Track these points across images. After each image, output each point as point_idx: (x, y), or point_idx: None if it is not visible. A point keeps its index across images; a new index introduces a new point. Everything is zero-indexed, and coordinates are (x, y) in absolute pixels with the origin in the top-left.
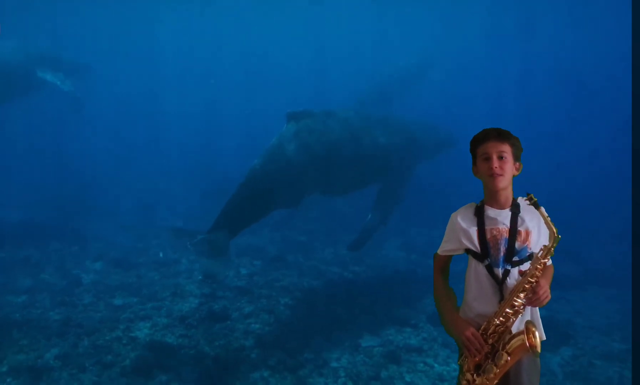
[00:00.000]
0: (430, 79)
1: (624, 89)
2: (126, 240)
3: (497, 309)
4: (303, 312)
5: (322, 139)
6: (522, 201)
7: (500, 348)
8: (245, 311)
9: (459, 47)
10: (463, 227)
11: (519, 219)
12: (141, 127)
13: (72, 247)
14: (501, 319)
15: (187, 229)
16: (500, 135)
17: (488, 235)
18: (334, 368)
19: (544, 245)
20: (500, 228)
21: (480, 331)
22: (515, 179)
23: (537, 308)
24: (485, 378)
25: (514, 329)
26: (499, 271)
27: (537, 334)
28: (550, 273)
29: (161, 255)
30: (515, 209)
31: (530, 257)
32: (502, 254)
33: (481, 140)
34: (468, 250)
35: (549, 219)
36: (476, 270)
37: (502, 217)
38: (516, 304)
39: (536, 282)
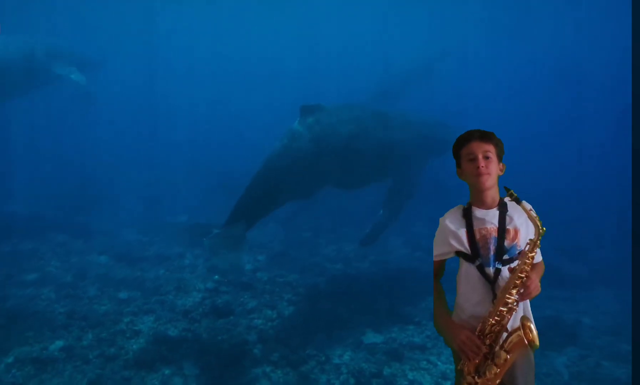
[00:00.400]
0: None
1: (624, 87)
2: (131, 234)
3: (490, 309)
4: (306, 308)
5: (334, 133)
6: (508, 200)
7: (499, 347)
8: (248, 306)
9: (454, 44)
10: (452, 229)
11: (507, 217)
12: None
13: (78, 240)
14: (496, 318)
15: (202, 224)
16: (484, 135)
17: (477, 236)
18: (336, 364)
19: (530, 239)
20: (489, 227)
21: (476, 332)
22: (517, 178)
23: (529, 303)
24: (487, 379)
25: (509, 327)
26: (491, 270)
27: (533, 328)
28: (540, 269)
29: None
30: (502, 208)
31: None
32: (492, 253)
33: (465, 141)
34: (458, 253)
35: (532, 212)
36: (467, 272)
37: (490, 217)
38: (509, 301)
39: (526, 276)
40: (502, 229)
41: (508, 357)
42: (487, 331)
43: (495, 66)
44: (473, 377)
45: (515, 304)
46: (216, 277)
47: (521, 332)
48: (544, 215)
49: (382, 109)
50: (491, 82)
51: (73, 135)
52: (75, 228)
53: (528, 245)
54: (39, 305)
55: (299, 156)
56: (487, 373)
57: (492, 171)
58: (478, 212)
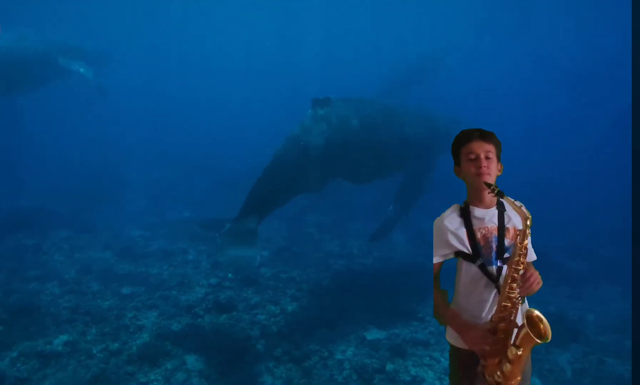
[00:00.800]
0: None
1: (624, 85)
2: (134, 230)
3: (494, 308)
4: (309, 304)
5: (345, 126)
6: (505, 200)
7: (510, 344)
8: (251, 302)
9: (453, 41)
10: (452, 229)
11: (506, 216)
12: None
13: (82, 236)
14: (502, 315)
15: (210, 219)
16: (485, 135)
17: (478, 235)
18: (339, 360)
19: (519, 230)
20: (490, 227)
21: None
22: (520, 175)
23: (527, 301)
24: (504, 376)
25: (519, 322)
26: (493, 269)
27: (543, 318)
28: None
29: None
30: (501, 208)
31: None
32: (494, 251)
33: (465, 140)
34: (458, 253)
35: (516, 203)
36: (467, 272)
37: (489, 216)
38: (512, 295)
39: (524, 269)
40: (502, 228)
41: (519, 352)
42: (496, 329)
43: (495, 66)
44: (494, 377)
45: (518, 299)
46: (230, 275)
47: (527, 327)
48: (547, 214)
49: (392, 104)
50: (491, 81)
51: (77, 132)
52: (80, 223)
53: (518, 237)
54: (43, 300)
55: (309, 149)
56: (505, 371)
57: (492, 171)
58: (477, 212)
